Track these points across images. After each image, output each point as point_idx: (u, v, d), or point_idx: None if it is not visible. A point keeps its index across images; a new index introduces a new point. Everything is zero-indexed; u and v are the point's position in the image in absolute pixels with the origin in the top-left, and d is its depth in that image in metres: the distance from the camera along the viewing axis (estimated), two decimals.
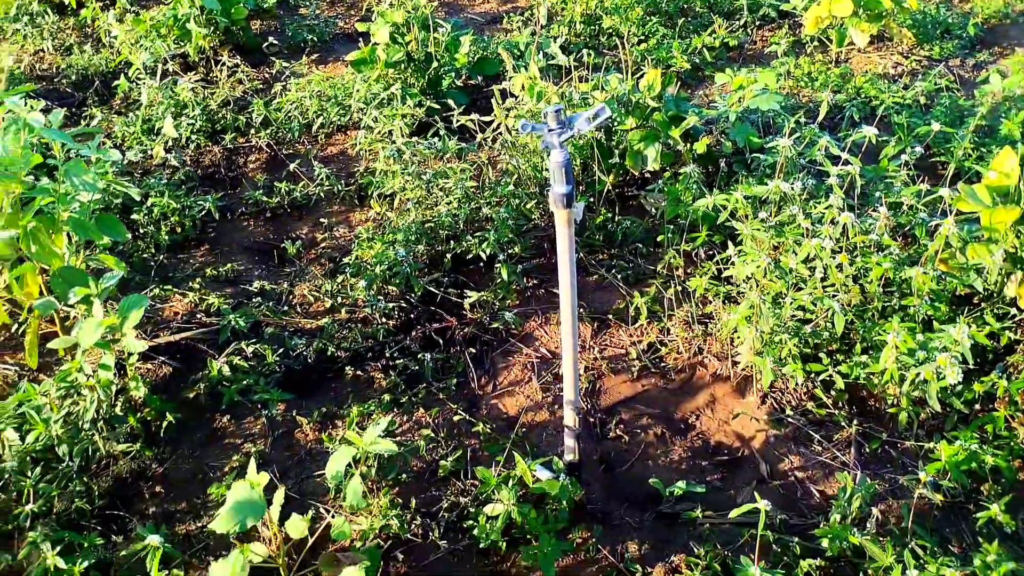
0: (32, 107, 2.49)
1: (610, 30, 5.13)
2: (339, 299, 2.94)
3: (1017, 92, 3.92)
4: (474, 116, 3.74)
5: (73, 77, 4.67)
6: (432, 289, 2.98)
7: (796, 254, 2.60)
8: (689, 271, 3.09)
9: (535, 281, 3.13)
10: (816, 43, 4.97)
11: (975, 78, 4.56)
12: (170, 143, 3.83)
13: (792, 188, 2.86)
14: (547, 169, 3.48)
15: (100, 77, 4.68)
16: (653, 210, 3.45)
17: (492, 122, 3.73)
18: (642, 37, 5.06)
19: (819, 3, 4.72)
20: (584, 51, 4.35)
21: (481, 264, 3.15)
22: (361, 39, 4.72)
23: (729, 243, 2.79)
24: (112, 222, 2.54)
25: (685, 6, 5.49)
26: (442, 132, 3.66)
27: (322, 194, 3.65)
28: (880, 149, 3.43)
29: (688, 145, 3.50)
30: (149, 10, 5.19)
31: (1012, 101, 3.92)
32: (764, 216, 2.80)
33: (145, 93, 4.00)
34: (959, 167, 3.31)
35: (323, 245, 3.37)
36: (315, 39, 5.28)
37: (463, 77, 4.60)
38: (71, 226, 2.42)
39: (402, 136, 3.73)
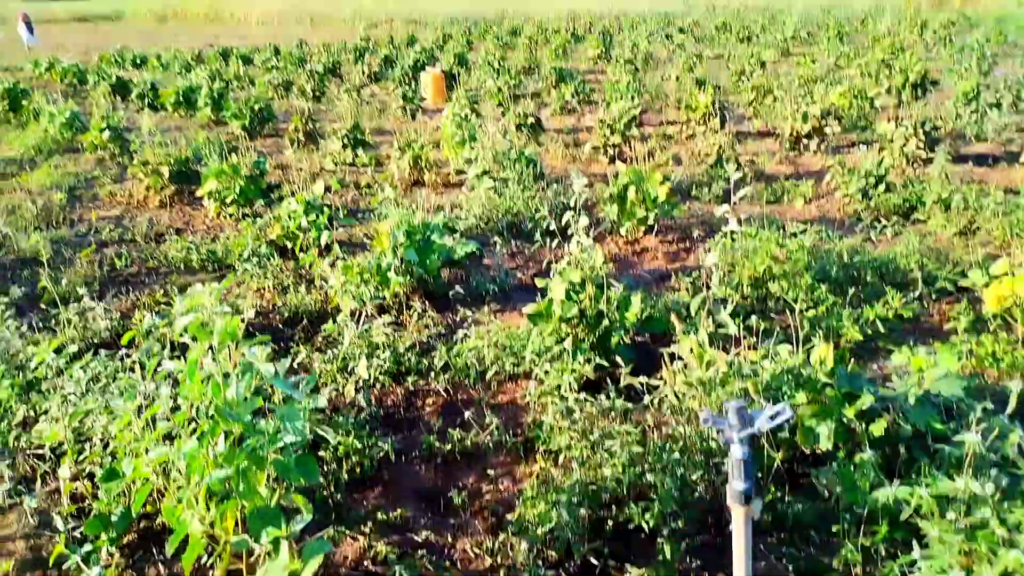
0: (260, 353, 2.87)
1: (778, 295, 5.24)
2: (499, 558, 2.98)
3: None
4: (642, 378, 3.86)
5: (286, 314, 5.33)
6: (592, 560, 2.96)
7: (992, 564, 2.39)
8: (868, 569, 2.89)
9: (699, 562, 3.02)
10: (999, 320, 4.81)
11: None
12: (360, 383, 4.21)
13: (983, 489, 2.68)
14: (713, 439, 3.49)
15: (309, 316, 5.31)
16: (826, 492, 3.31)
17: (659, 384, 3.84)
18: (811, 304, 5.11)
19: (1001, 282, 4.64)
20: (753, 317, 4.45)
21: (643, 535, 3.10)
22: (538, 293, 5.10)
23: (914, 543, 2.61)
24: (309, 464, 2.79)
25: (855, 274, 5.55)
26: (611, 392, 3.79)
27: (491, 444, 3.81)
28: None
29: (864, 425, 3.41)
30: (356, 255, 5.94)
31: None
32: (952, 517, 2.62)
33: (347, 336, 4.48)
34: None
35: (487, 497, 3.47)
36: (496, 289, 5.76)
37: (631, 333, 4.80)
38: (275, 466, 2.68)
39: (571, 391, 3.90)
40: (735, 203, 4.95)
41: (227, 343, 2.68)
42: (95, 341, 4.84)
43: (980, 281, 4.86)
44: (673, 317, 4.06)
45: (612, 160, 9.52)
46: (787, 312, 5.11)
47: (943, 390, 3.38)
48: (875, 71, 14.70)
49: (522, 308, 5.10)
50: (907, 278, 5.42)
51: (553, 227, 5.22)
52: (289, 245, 6.43)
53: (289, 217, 6.44)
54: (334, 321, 4.92)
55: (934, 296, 5.26)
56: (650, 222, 6.72)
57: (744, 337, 3.92)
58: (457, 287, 5.70)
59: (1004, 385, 4.07)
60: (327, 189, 7.35)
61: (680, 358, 3.97)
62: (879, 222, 6.78)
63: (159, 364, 2.98)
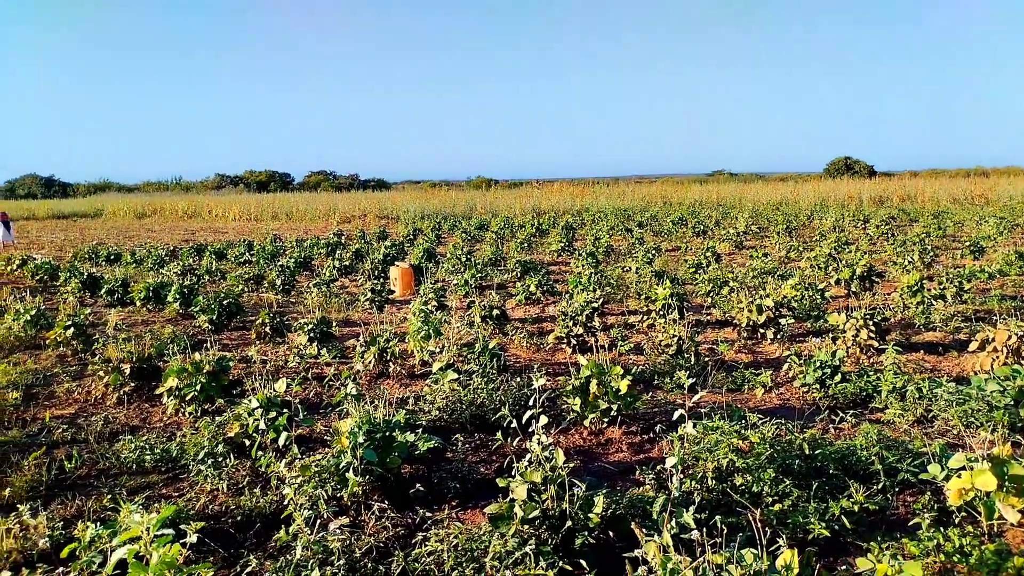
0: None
1: (742, 487, 5.19)
2: None
3: None
4: None
5: (239, 517, 5.12)
6: None
7: None
8: None
9: None
10: (964, 513, 4.78)
11: None
12: None
13: None
14: None
15: (262, 519, 5.11)
16: None
17: None
18: (776, 497, 5.06)
19: (960, 476, 4.67)
20: (717, 517, 4.37)
21: None
22: (500, 493, 4.99)
23: None
24: None
25: (818, 466, 5.55)
26: None
27: None
28: None
29: None
30: (316, 452, 5.81)
31: None
32: None
33: (299, 543, 4.30)
34: None
35: None
36: (458, 486, 5.62)
37: (596, 533, 4.67)
38: None
39: None
40: (696, 401, 5.02)
41: (165, 573, 2.56)
42: (34, 554, 4.57)
43: (940, 474, 4.89)
44: (636, 529, 3.97)
45: (575, 350, 9.70)
46: (753, 506, 5.05)
47: None
48: (824, 264, 15.52)
49: (484, 507, 4.98)
50: (868, 470, 5.42)
51: (515, 424, 5.22)
52: (247, 443, 6.31)
53: (248, 415, 6.36)
54: (286, 528, 4.73)
55: (896, 488, 5.24)
56: (613, 414, 6.74)
57: (706, 540, 3.83)
58: (418, 485, 5.56)
59: None
60: (289, 386, 7.32)
61: (645, 562, 3.85)
62: (837, 413, 6.87)
63: None
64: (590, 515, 4.51)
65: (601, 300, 11.40)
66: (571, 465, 4.72)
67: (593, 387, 6.77)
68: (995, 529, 4.65)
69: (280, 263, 17.87)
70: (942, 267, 15.92)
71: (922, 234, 20.93)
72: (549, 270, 17.83)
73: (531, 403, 5.00)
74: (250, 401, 6.51)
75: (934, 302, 11.43)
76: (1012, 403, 6.41)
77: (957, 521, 4.76)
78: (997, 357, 8.07)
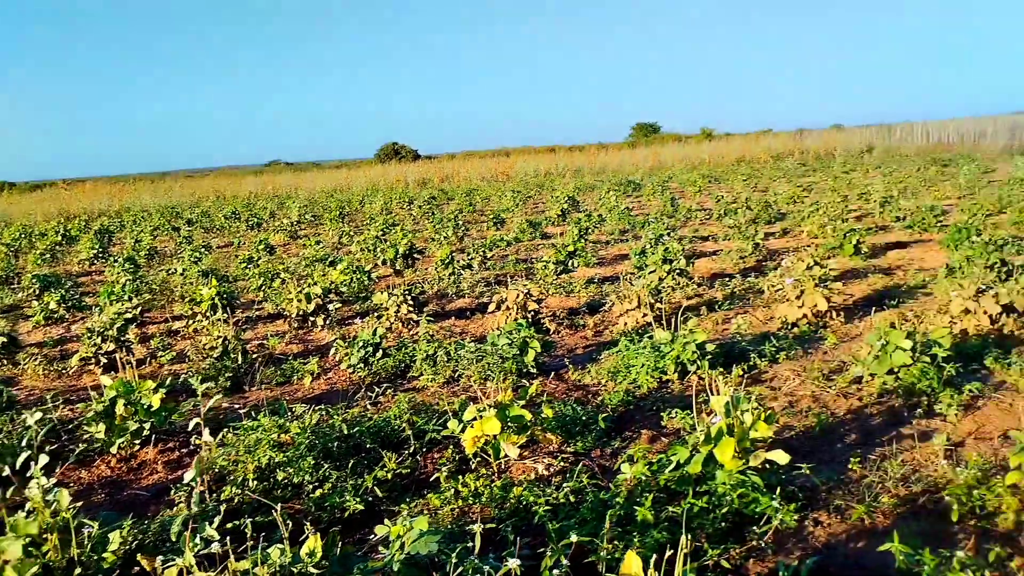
0: None
1: (285, 481, 5.17)
2: None
3: (643, 478, 4.49)
4: None
5: None
6: None
7: None
8: None
9: None
10: (479, 458, 5.41)
11: (613, 465, 5.19)
12: None
13: None
14: None
15: None
16: None
17: None
18: (317, 483, 5.14)
19: (472, 426, 5.25)
20: (248, 522, 4.25)
21: None
22: None
23: None
24: None
25: (357, 444, 5.78)
26: None
27: None
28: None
29: None
30: None
31: (643, 486, 4.48)
32: None
33: None
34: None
35: None
36: None
37: (116, 572, 4.21)
38: None
39: None
40: (214, 408, 4.81)
41: None
42: None
43: (457, 428, 5.44)
44: (141, 557, 3.66)
45: (107, 369, 8.68)
46: (295, 497, 5.07)
47: (420, 549, 3.59)
48: (372, 246, 16.31)
49: None
50: (400, 437, 5.82)
51: (7, 472, 4.43)
52: None
53: None
54: None
55: (425, 449, 5.72)
56: (146, 433, 6.17)
57: (231, 547, 3.70)
58: None
59: (491, 517, 4.53)
60: None
61: None
62: (375, 388, 7.25)
63: None
64: (104, 555, 4.04)
65: (139, 309, 10.38)
66: (79, 504, 4.16)
67: (120, 408, 6.10)
68: (503, 467, 5.34)
69: None
70: (471, 239, 17.93)
71: (456, 211, 23.30)
72: (79, 282, 15.73)
73: (25, 443, 4.29)
74: None
75: (463, 271, 12.78)
76: (518, 352, 7.44)
77: (474, 467, 5.35)
78: (510, 314, 9.32)
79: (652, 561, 3.28)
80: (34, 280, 13.98)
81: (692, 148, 53.07)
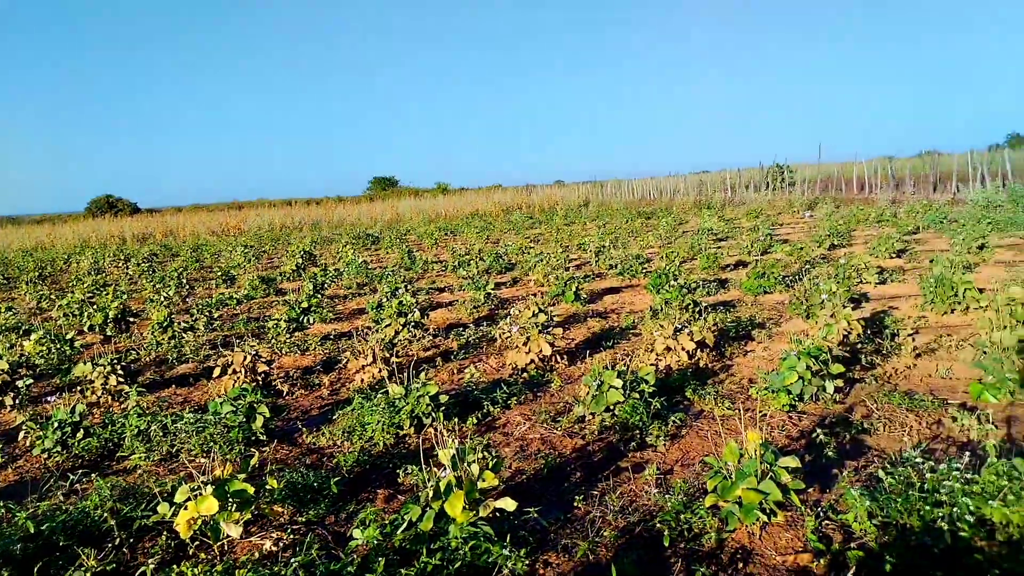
0: None
1: None
2: None
3: (376, 541, 4.36)
4: None
5: None
6: None
7: None
8: None
9: None
10: (197, 542, 4.93)
11: (348, 531, 4.99)
12: None
13: None
14: None
15: None
16: None
17: None
18: None
19: (186, 507, 4.77)
20: None
21: None
22: None
23: None
24: None
25: (45, 542, 4.98)
26: None
27: None
28: None
29: None
30: None
31: (377, 550, 4.34)
32: None
33: None
34: None
35: None
36: None
37: None
38: None
39: None
40: None
41: None
42: None
43: (168, 512, 4.91)
44: None
45: None
46: None
47: None
48: (79, 310, 14.54)
49: None
50: (103, 528, 5.13)
51: None
52: None
53: None
54: None
55: (133, 540, 5.09)
56: None
57: None
58: None
59: None
60: None
61: None
62: (73, 473, 6.37)
63: None
64: None
65: None
66: None
67: None
68: (225, 548, 4.91)
69: None
70: (197, 299, 16.70)
71: (181, 268, 21.65)
72: None
73: None
74: None
75: (185, 334, 11.81)
76: (244, 419, 6.96)
77: (191, 552, 4.86)
78: (238, 378, 8.73)
79: None
80: None
81: (428, 202, 54.59)
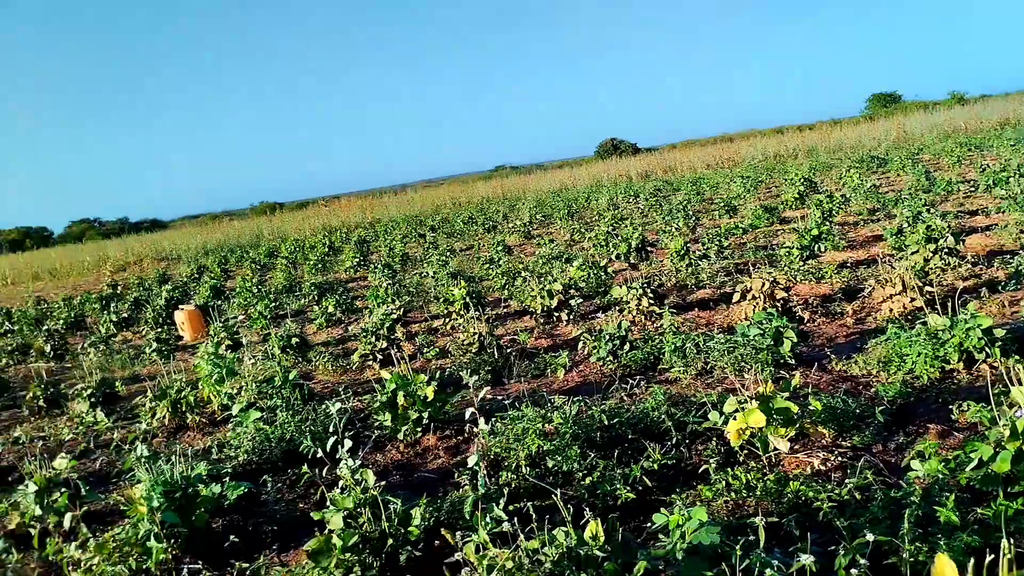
0: None
1: (555, 468, 5.43)
2: None
3: (939, 476, 4.17)
4: None
5: None
6: None
7: None
8: None
9: None
10: (746, 451, 5.31)
11: (900, 461, 4.85)
12: None
13: None
14: None
15: None
16: None
17: None
18: (585, 471, 5.33)
19: (735, 418, 5.17)
20: (529, 505, 4.52)
21: None
22: (317, 526, 4.86)
23: None
24: None
25: (618, 434, 5.91)
26: None
27: None
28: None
29: None
30: (115, 526, 5.32)
31: (940, 485, 4.15)
32: None
33: None
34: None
35: None
36: (275, 528, 5.40)
37: (419, 544, 4.67)
38: None
39: None
40: (488, 399, 5.15)
41: None
42: None
43: (719, 420, 5.39)
44: (445, 531, 4.03)
45: (383, 364, 9.61)
46: (565, 483, 5.30)
47: (703, 539, 3.62)
48: (604, 241, 16.52)
49: (303, 548, 4.82)
50: (661, 428, 5.86)
51: (320, 454, 5.09)
52: (32, 532, 5.66)
53: (33, 502, 5.71)
54: None
55: (687, 441, 5.71)
56: (425, 422, 6.77)
57: (519, 528, 3.97)
58: (232, 536, 5.26)
59: (766, 511, 4.45)
60: (81, 456, 6.64)
61: (468, 563, 3.91)
62: (628, 380, 7.36)
63: None
64: (409, 529, 4.51)
65: (402, 310, 11.37)
66: (383, 484, 4.67)
67: (401, 399, 6.75)
68: (773, 460, 5.21)
69: (47, 327, 16.10)
70: (704, 229, 17.53)
71: (684, 201, 22.91)
72: (347, 288, 17.51)
73: (331, 429, 4.91)
74: (27, 486, 5.84)
75: (700, 262, 12.55)
76: (772, 343, 7.19)
77: (741, 459, 5.27)
78: (756, 304, 9.02)
79: (970, 566, 3.04)
80: (312, 288, 15.81)
81: (941, 115, 47.80)
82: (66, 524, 5.25)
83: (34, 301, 23.06)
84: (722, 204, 20.60)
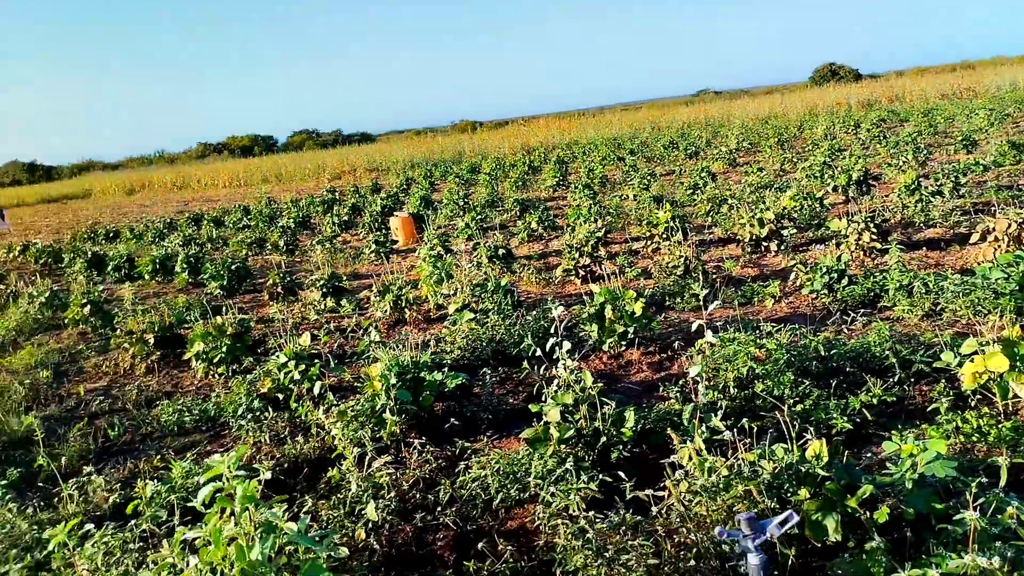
0: (279, 512, 2.93)
1: (764, 392, 5.40)
2: None
3: None
4: (647, 491, 3.94)
5: (285, 465, 5.34)
6: None
7: None
8: None
9: None
10: (979, 396, 5.00)
11: None
12: (370, 525, 4.22)
13: (991, 563, 2.78)
14: (724, 543, 3.54)
15: (308, 464, 5.34)
16: None
17: (664, 495, 3.91)
18: (797, 398, 5.27)
19: (973, 360, 4.86)
20: (744, 420, 4.57)
21: None
22: (533, 417, 5.21)
23: None
24: None
25: (834, 365, 5.75)
26: (619, 507, 3.85)
27: (507, 571, 3.81)
28: None
29: (867, 513, 3.50)
30: (348, 399, 6.02)
31: None
32: None
33: (354, 482, 4.52)
34: None
35: None
36: (490, 417, 5.84)
37: (629, 447, 4.89)
38: None
39: (579, 510, 3.95)
40: (709, 314, 5.18)
41: (247, 506, 2.75)
42: (97, 514, 4.80)
43: (953, 361, 5.08)
44: (673, 435, 4.18)
45: (584, 280, 9.85)
46: (775, 409, 5.26)
47: (936, 472, 3.51)
48: (819, 172, 15.57)
49: (518, 434, 5.20)
50: (883, 364, 5.62)
51: (538, 352, 5.40)
52: (281, 397, 6.52)
53: (279, 370, 6.56)
54: (334, 467, 4.96)
55: (912, 379, 5.45)
56: (630, 336, 6.92)
57: (738, 439, 4.04)
58: (452, 419, 5.78)
59: (993, 459, 4.21)
60: (313, 339, 7.50)
61: (681, 467, 4.06)
62: (848, 314, 7.05)
63: (169, 534, 3.02)
64: (623, 430, 4.72)
65: (604, 230, 11.51)
66: (599, 386, 4.90)
67: (608, 312, 6.94)
68: (1010, 408, 4.86)
69: (280, 224, 17.91)
70: (937, 164, 15.98)
71: (914, 133, 20.90)
72: (547, 206, 17.87)
73: (552, 331, 5.17)
74: (278, 357, 6.70)
75: (932, 199, 11.53)
76: (1017, 288, 6.58)
77: (973, 404, 4.97)
78: (999, 246, 8.23)
79: None
80: (515, 204, 16.30)
81: None
82: (316, 390, 5.99)
83: (266, 201, 25.59)
84: (959, 138, 18.61)
